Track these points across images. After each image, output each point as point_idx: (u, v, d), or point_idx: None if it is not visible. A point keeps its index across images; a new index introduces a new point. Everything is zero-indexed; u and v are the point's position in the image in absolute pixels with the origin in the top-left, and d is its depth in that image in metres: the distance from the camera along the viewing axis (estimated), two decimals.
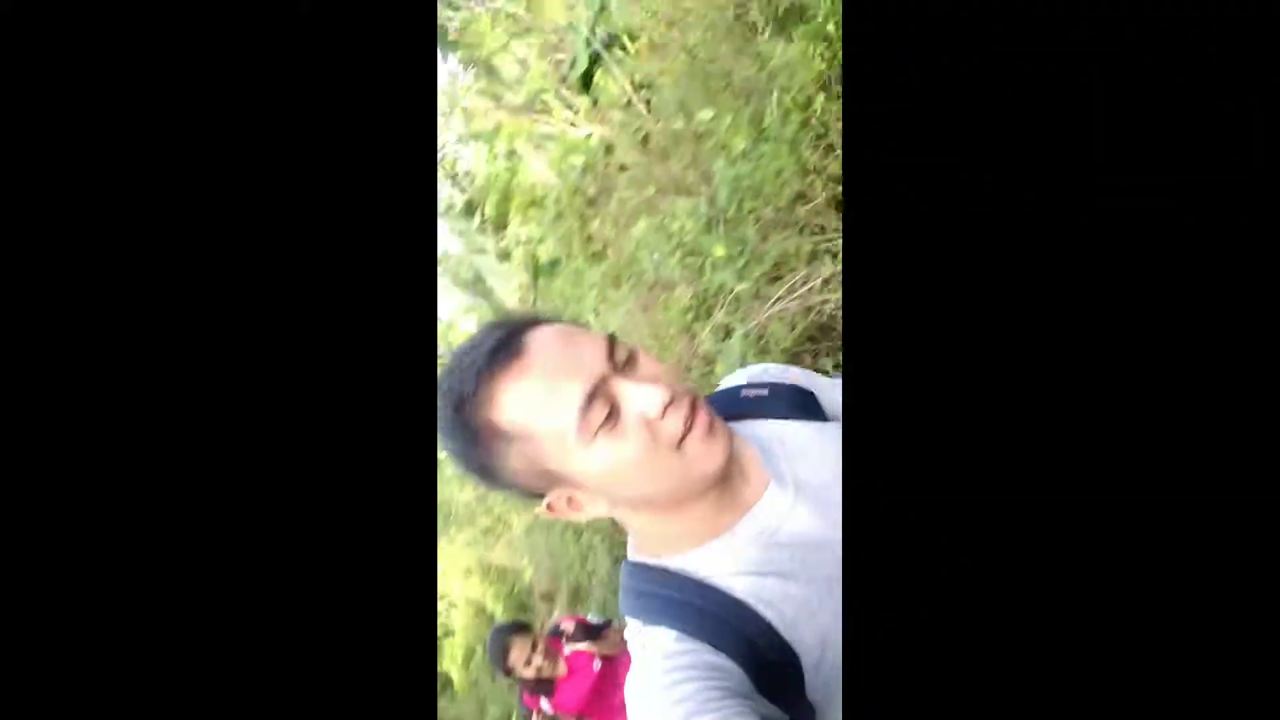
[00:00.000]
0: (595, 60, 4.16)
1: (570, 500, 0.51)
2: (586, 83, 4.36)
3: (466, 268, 5.84)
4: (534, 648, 1.94)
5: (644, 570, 0.55)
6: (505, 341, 0.48)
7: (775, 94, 2.23)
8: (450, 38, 5.04)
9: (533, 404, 0.47)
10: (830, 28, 2.05)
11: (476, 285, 5.77)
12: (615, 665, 2.02)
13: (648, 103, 3.59)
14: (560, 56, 4.63)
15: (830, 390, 0.65)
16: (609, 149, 4.08)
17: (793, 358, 2.05)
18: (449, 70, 5.40)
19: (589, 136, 4.33)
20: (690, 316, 2.70)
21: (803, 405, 0.61)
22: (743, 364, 2.18)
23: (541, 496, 0.51)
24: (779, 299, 2.04)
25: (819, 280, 1.97)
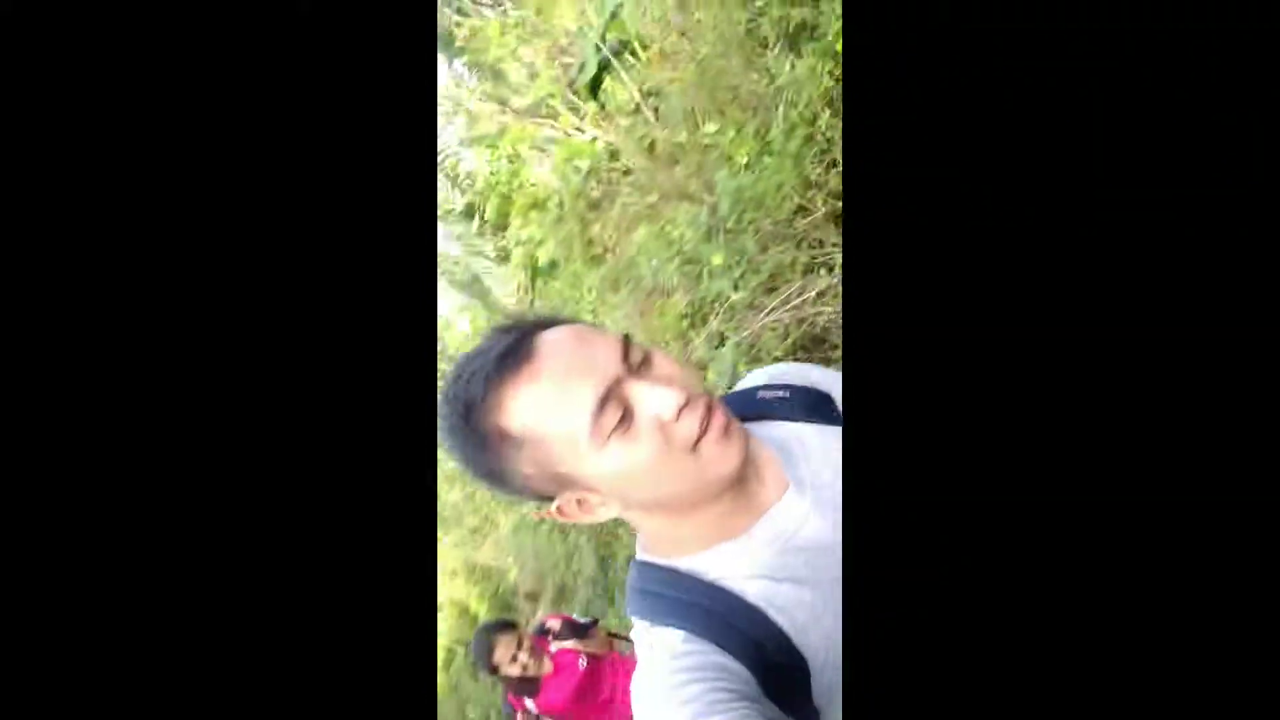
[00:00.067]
0: (604, 67, 4.19)
1: (581, 503, 0.50)
2: (594, 89, 4.40)
3: (463, 269, 5.84)
4: (519, 645, 1.93)
5: (653, 570, 0.55)
6: (515, 346, 0.47)
7: (781, 108, 2.26)
8: (458, 44, 5.06)
9: (544, 408, 0.46)
10: (839, 46, 2.09)
11: (473, 286, 5.78)
12: (600, 665, 2.02)
13: (655, 110, 3.62)
14: (569, 60, 4.66)
15: None
16: (614, 154, 4.11)
17: None
18: (454, 74, 5.42)
19: (594, 141, 4.36)
20: (686, 323, 2.72)
21: (820, 408, 0.61)
22: (734, 372, 2.20)
23: (552, 499, 0.50)
24: (773, 309, 2.06)
25: (814, 293, 1.99)
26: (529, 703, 1.95)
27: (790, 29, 2.44)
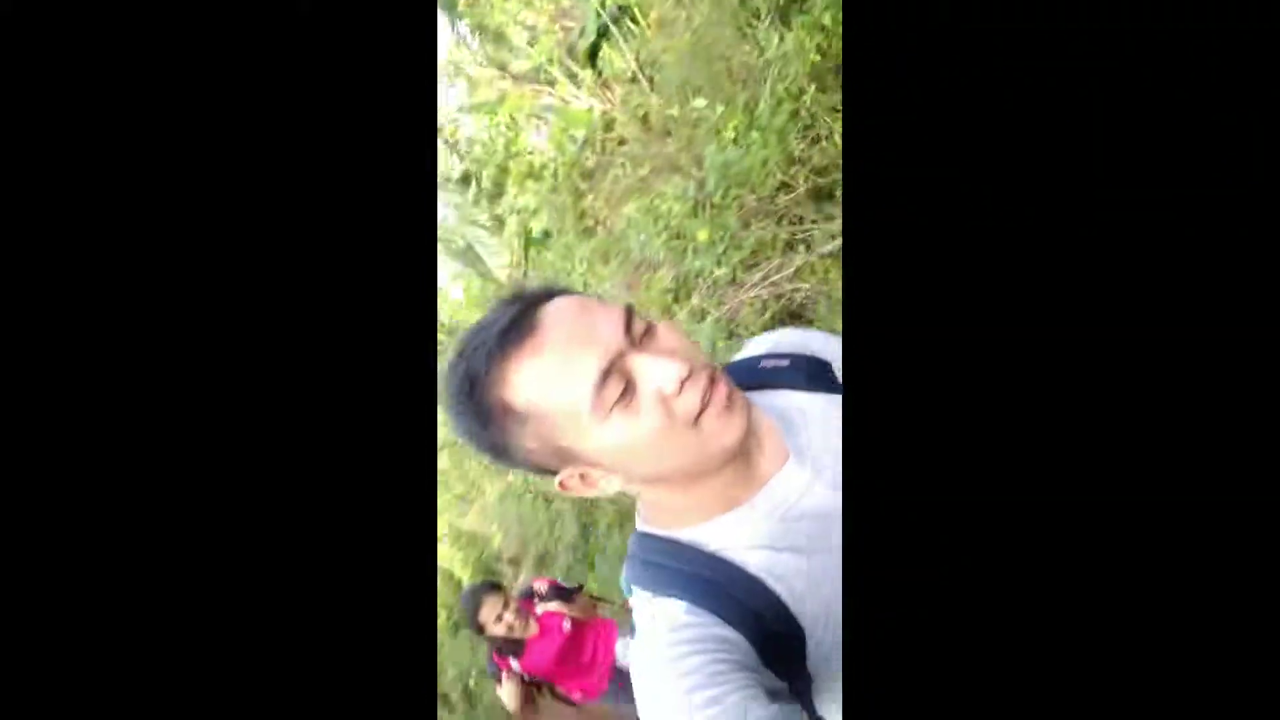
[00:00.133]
0: (603, 33, 4.13)
1: (584, 477, 0.50)
2: (593, 55, 4.33)
3: (459, 237, 5.81)
4: (505, 606, 1.98)
5: (654, 541, 0.55)
6: (518, 319, 0.47)
7: (769, 83, 2.24)
8: (459, 7, 4.97)
9: (546, 382, 0.46)
10: (827, 20, 2.06)
11: (467, 254, 5.75)
12: (583, 628, 2.07)
13: (651, 80, 3.58)
14: (570, 24, 4.59)
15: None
16: (609, 125, 4.06)
17: None
18: (457, 35, 5.32)
19: (590, 109, 4.31)
20: (670, 298, 2.73)
21: (820, 376, 0.60)
22: (713, 347, 2.21)
23: (555, 473, 0.50)
24: (753, 285, 2.07)
25: (792, 269, 1.99)
26: (513, 662, 1.99)
27: (782, 1, 2.40)
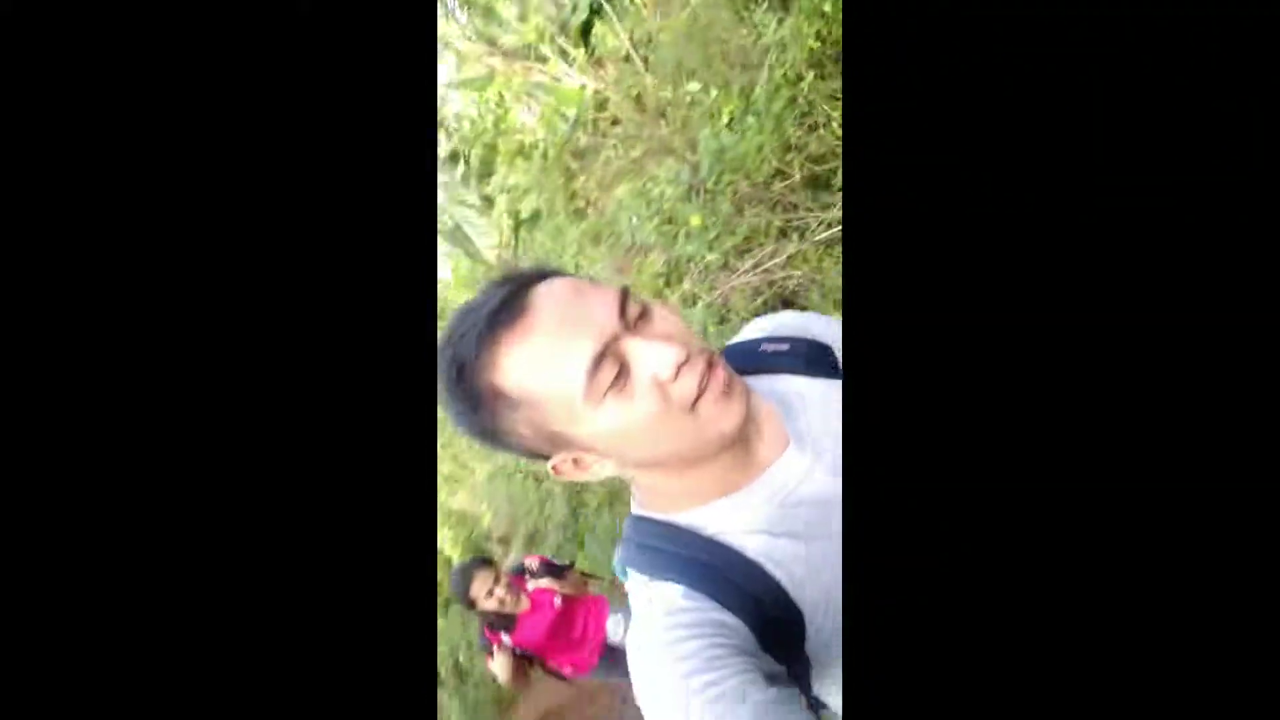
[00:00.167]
0: (596, 10, 4.06)
1: (576, 462, 0.49)
2: (585, 33, 4.27)
3: (447, 217, 5.75)
4: (496, 581, 2.00)
5: (651, 525, 0.54)
6: (509, 301, 0.46)
7: (766, 68, 2.23)
8: None
9: (537, 366, 0.45)
10: (827, 7, 2.05)
11: (455, 234, 5.70)
12: (573, 605, 2.10)
13: (645, 60, 3.54)
14: (562, 1, 4.51)
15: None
16: (601, 104, 4.02)
17: None
18: (445, 9, 5.20)
19: (582, 88, 4.26)
20: (661, 282, 2.73)
21: (820, 361, 0.59)
22: (704, 332, 2.23)
23: (547, 457, 0.49)
24: (745, 271, 2.08)
25: (784, 256, 2.01)
26: (505, 637, 2.02)
27: None
